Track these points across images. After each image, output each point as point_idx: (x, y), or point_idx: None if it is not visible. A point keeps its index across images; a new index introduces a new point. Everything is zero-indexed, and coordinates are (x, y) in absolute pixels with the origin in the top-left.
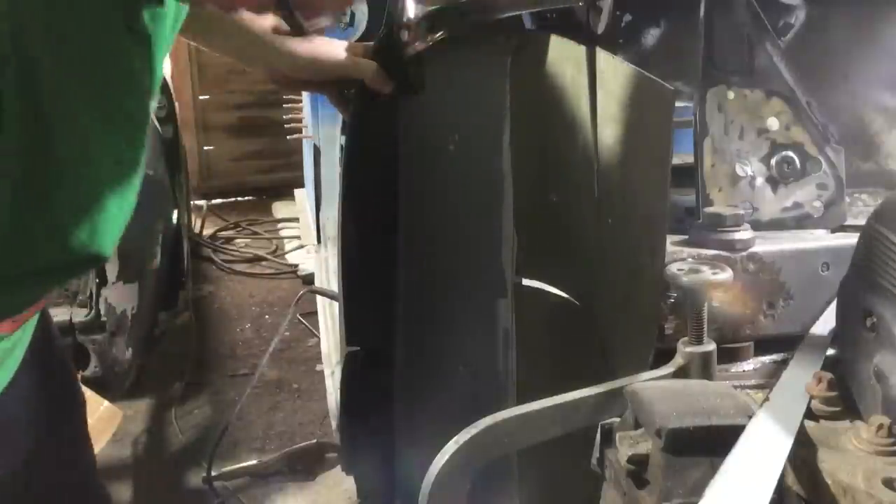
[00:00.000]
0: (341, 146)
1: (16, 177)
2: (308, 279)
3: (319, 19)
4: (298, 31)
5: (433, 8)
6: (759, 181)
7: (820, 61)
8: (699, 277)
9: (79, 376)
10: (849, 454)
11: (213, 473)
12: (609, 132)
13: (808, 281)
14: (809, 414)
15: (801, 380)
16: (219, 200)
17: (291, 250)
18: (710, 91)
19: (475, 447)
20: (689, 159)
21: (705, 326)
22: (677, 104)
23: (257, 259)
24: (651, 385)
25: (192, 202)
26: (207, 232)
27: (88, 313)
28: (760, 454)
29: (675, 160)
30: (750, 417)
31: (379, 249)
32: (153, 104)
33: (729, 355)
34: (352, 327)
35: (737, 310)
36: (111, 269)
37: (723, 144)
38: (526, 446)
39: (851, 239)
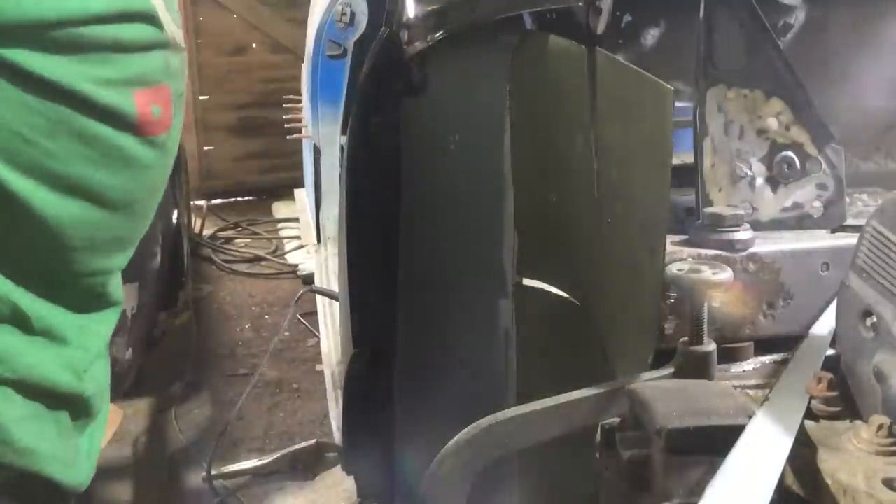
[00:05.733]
0: (341, 146)
1: None
2: (308, 279)
3: None
4: None
5: (433, 8)
6: (759, 181)
7: (820, 61)
8: (699, 277)
9: None
10: (849, 454)
11: (213, 473)
12: (609, 132)
13: (808, 281)
14: (809, 414)
15: (801, 380)
16: (219, 200)
17: (291, 250)
18: (710, 91)
19: (475, 447)
20: (689, 159)
21: (705, 326)
22: (677, 104)
23: (257, 259)
24: (651, 385)
25: (192, 202)
26: (207, 232)
27: None
28: (760, 454)
29: (675, 160)
30: (750, 417)
31: (381, 250)
32: None
33: (729, 355)
34: (357, 328)
35: (737, 310)
36: None
37: (723, 144)
38: (526, 446)
39: (851, 239)
